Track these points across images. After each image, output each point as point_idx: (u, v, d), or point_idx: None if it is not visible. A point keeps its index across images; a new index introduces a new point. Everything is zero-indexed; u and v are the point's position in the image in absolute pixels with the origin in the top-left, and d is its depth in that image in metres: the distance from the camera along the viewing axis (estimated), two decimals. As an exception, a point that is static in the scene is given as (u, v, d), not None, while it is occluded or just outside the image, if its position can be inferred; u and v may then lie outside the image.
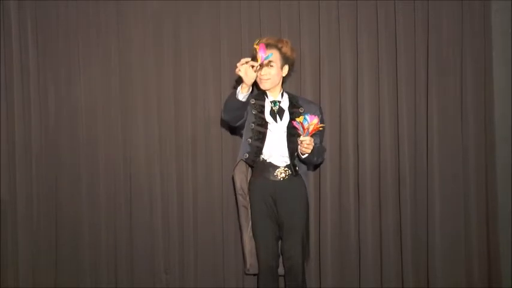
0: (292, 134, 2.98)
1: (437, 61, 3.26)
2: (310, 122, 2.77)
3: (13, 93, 3.47)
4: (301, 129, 2.80)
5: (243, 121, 3.02)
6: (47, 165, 3.49)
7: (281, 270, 3.10)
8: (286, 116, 3.04)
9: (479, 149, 3.28)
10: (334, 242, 3.32)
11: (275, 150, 3.01)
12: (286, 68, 3.06)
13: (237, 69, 2.79)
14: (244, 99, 2.84)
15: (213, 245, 3.41)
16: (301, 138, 2.82)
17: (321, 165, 3.31)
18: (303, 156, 2.93)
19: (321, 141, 3.11)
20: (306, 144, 2.82)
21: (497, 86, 3.30)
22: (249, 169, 3.10)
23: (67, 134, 3.48)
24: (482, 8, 3.26)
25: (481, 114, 3.28)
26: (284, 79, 3.13)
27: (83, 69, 3.47)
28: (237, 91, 2.84)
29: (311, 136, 2.82)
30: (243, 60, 2.77)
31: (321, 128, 2.85)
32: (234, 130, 3.28)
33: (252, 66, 2.76)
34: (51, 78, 3.49)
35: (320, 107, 3.16)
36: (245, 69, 2.76)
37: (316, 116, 2.81)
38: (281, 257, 3.07)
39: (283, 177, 3.01)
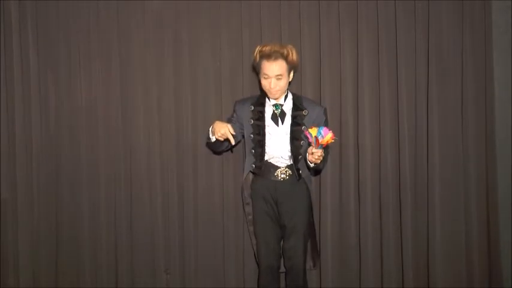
0: (296, 138, 2.98)
1: (437, 61, 3.26)
2: (324, 136, 2.73)
3: (13, 93, 3.46)
4: (314, 141, 2.75)
5: (231, 147, 3.10)
6: (47, 165, 3.48)
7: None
8: (288, 119, 3.03)
9: (479, 148, 3.28)
10: (334, 241, 3.32)
11: (276, 152, 3.01)
12: (292, 74, 3.03)
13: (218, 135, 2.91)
14: (214, 141, 2.99)
15: (214, 245, 3.41)
16: (314, 150, 2.78)
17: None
18: (312, 165, 2.91)
19: None
20: (317, 156, 2.79)
21: (497, 86, 3.30)
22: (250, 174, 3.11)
23: (67, 133, 3.47)
24: (482, 8, 3.25)
25: (481, 114, 3.27)
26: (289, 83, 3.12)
27: (83, 69, 3.47)
28: (209, 131, 3.00)
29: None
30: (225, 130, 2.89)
31: (333, 141, 2.79)
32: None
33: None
34: (51, 78, 3.48)
35: (325, 109, 3.12)
36: (224, 133, 2.89)
37: (330, 130, 2.76)
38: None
39: (284, 178, 3.01)
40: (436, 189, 3.24)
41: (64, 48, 3.47)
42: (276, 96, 3.00)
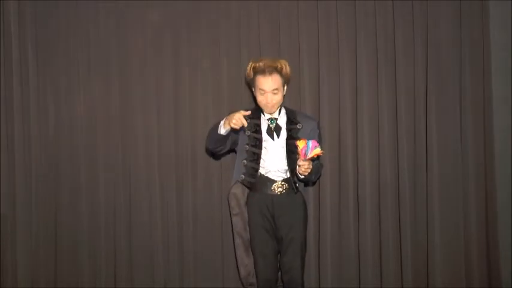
0: (292, 152, 2.94)
1: (437, 62, 3.24)
2: (311, 150, 2.74)
3: (12, 97, 3.46)
4: (301, 154, 2.77)
5: (224, 151, 3.09)
6: (46, 171, 3.48)
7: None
8: (284, 133, 3.01)
9: (478, 150, 3.27)
10: (333, 242, 3.32)
11: (272, 166, 2.99)
12: (285, 87, 3.02)
13: (233, 121, 2.83)
14: (225, 134, 2.91)
15: (213, 252, 3.42)
16: (300, 162, 2.81)
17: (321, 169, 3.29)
18: (301, 177, 2.92)
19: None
20: (304, 169, 2.82)
21: (496, 87, 3.27)
22: (245, 188, 3.07)
23: (66, 141, 3.48)
24: (482, 8, 3.22)
25: (480, 115, 3.26)
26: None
27: (82, 77, 3.46)
28: (220, 125, 2.92)
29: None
30: (239, 115, 2.84)
31: (321, 154, 2.80)
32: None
33: (244, 116, 2.86)
34: (50, 88, 3.48)
35: (318, 122, 3.13)
36: (238, 118, 2.83)
37: (318, 144, 2.78)
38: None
39: (281, 191, 2.99)
40: (435, 192, 3.24)
41: (63, 57, 3.47)
42: (273, 110, 3.00)
